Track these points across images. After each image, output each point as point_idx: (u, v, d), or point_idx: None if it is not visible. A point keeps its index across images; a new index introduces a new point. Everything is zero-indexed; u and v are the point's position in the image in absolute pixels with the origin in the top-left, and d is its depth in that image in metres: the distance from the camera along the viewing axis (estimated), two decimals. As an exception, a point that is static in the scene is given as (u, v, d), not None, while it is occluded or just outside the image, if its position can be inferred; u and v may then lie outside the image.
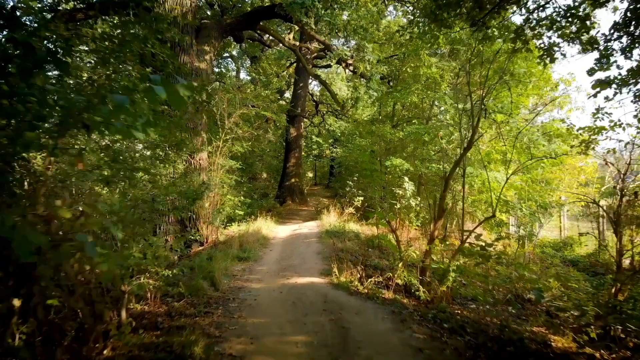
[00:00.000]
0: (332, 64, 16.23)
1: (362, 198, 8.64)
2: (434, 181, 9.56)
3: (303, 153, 21.74)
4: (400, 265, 5.48)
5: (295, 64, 17.66)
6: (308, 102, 20.46)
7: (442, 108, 11.11)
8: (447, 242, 6.73)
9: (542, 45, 4.86)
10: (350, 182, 10.37)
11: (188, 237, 8.28)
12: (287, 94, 22.06)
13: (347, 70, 17.67)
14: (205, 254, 6.97)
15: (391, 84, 17.37)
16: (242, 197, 10.37)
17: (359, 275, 5.69)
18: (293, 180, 16.78)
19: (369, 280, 5.47)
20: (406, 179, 7.87)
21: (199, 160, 9.00)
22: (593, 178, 13.24)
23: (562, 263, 10.39)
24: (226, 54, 22.46)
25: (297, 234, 8.79)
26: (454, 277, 5.02)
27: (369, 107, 23.54)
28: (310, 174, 29.44)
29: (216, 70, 18.62)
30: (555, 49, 4.75)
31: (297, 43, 14.89)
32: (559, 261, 10.37)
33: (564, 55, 4.83)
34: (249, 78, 20.55)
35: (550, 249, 13.01)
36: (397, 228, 7.14)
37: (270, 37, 16.53)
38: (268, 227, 9.03)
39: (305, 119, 18.36)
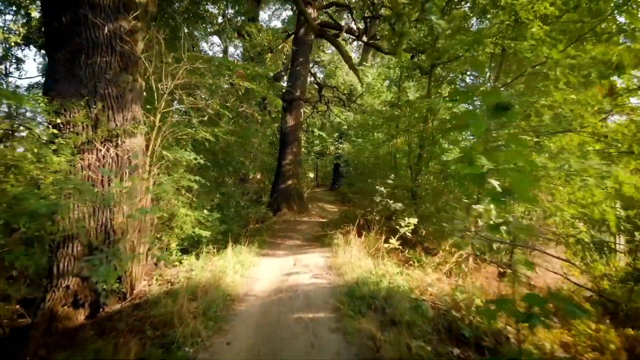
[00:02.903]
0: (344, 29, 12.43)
1: (414, 221, 4.85)
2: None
3: (303, 149, 18.00)
4: None
5: (293, 36, 13.90)
6: (309, 87, 16.68)
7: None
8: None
9: None
10: (381, 187, 6.47)
11: (99, 287, 4.56)
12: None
13: (360, 42, 13.86)
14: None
15: (419, 57, 13.63)
16: (204, 212, 6.60)
17: None
18: (290, 182, 13.03)
19: None
20: (496, 183, 4.20)
21: (127, 149, 5.25)
22: None
23: None
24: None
25: (292, 285, 4.55)
26: None
27: (381, 95, 19.90)
28: (310, 174, 25.58)
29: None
30: None
31: None
32: None
33: None
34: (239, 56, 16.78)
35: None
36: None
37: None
38: (242, 264, 5.15)
39: (305, 105, 14.58)
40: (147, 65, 5.03)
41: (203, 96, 7.70)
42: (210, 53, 19.95)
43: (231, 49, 21.33)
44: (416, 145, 9.18)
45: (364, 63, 20.84)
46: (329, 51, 21.98)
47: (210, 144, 9.63)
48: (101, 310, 4.80)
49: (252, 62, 14.78)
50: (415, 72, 13.05)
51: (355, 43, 24.81)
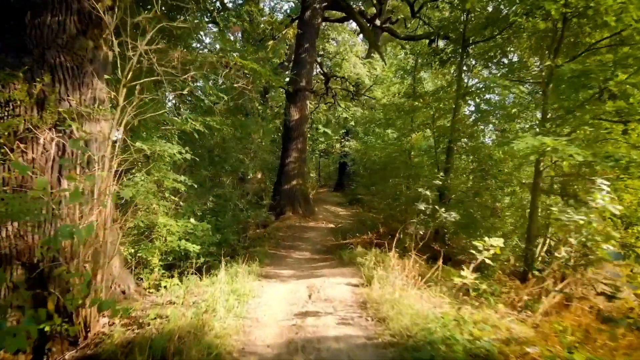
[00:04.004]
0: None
1: (499, 242, 3.43)
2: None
3: (307, 146, 16.59)
4: None
5: (297, 21, 12.50)
6: (314, 77, 15.29)
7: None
8: None
9: None
10: (426, 190, 4.92)
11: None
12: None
13: (372, 25, 12.45)
14: None
15: (436, 44, 12.25)
16: (191, 220, 5.22)
17: None
18: (294, 182, 11.65)
19: None
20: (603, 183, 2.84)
21: (85, 138, 3.87)
22: None
23: None
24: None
25: (310, 337, 2.95)
26: None
27: (392, 87, 18.59)
28: (312, 174, 24.13)
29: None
30: None
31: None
32: None
33: None
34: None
35: None
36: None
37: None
38: (238, 294, 3.68)
39: (311, 97, 13.22)
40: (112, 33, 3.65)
41: (194, 80, 6.31)
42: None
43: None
44: (444, 139, 7.83)
45: (373, 55, 19.49)
46: (334, 43, 20.62)
47: (203, 138, 8.27)
48: (45, 359, 3.45)
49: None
50: (434, 59, 11.71)
51: (360, 36, 23.46)
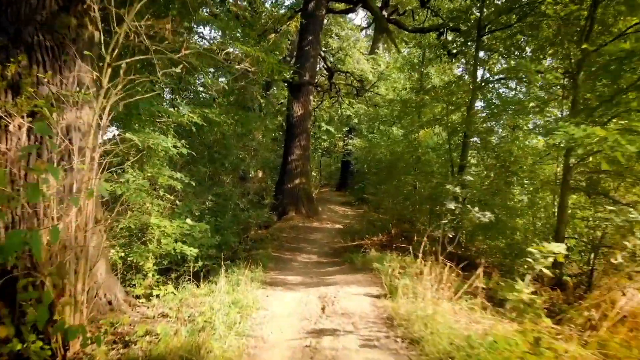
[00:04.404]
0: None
1: (562, 249, 2.88)
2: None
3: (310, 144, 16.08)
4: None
5: (300, 12, 11.98)
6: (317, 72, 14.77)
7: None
8: None
9: None
10: (456, 187, 4.29)
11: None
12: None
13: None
14: None
15: (445, 37, 11.76)
16: (187, 221, 4.72)
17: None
18: (297, 180, 11.16)
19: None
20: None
21: (66, 127, 3.37)
22: None
23: None
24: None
25: None
26: None
27: (397, 82, 18.13)
28: (314, 173, 23.58)
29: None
30: None
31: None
32: None
33: None
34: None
35: None
36: None
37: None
38: (240, 307, 3.15)
39: (314, 91, 12.74)
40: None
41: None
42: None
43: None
44: (458, 135, 7.34)
45: (376, 51, 18.99)
46: (337, 39, 20.10)
47: (202, 134, 7.78)
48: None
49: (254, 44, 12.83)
50: (443, 52, 11.24)
51: (364, 32, 22.96)
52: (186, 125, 5.80)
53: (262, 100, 10.68)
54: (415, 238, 6.08)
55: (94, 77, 3.19)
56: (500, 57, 8.01)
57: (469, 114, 6.99)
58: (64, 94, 3.44)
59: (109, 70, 3.15)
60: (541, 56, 6.61)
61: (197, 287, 4.70)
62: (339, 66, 18.03)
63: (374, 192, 9.03)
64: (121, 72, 3.03)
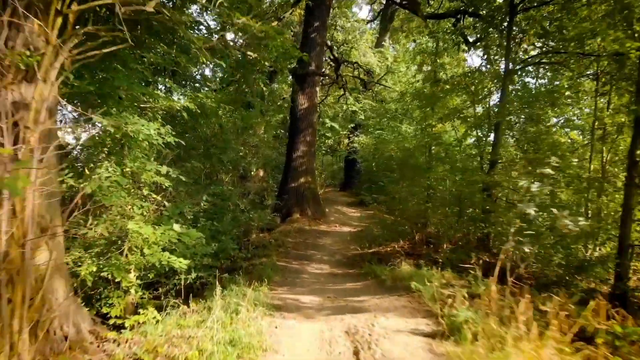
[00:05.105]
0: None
1: None
2: None
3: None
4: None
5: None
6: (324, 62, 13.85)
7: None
8: None
9: None
10: (535, 184, 3.39)
11: None
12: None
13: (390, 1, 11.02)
14: None
15: (462, 22, 10.89)
16: (175, 227, 3.84)
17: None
18: (303, 179, 10.27)
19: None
20: None
21: (12, 102, 2.48)
22: None
23: None
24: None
25: None
26: None
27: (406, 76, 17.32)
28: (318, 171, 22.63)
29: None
30: None
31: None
32: None
33: None
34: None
35: None
36: None
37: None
38: (241, 348, 2.36)
39: (320, 82, 11.87)
40: None
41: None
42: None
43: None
44: (489, 126, 6.46)
45: (383, 43, 18.14)
46: (342, 31, 19.22)
47: (197, 125, 6.89)
48: None
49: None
50: (461, 40, 10.38)
51: (368, 25, 22.07)
52: (177, 112, 4.92)
53: (265, 89, 9.77)
54: (445, 246, 5.19)
55: (37, 28, 2.30)
56: (534, 41, 7.13)
57: (502, 102, 6.11)
58: (10, 56, 2.55)
59: (59, 19, 2.27)
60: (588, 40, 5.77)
61: (187, 306, 3.82)
62: (345, 59, 17.18)
63: (388, 191, 8.17)
64: (70, 18, 2.15)
